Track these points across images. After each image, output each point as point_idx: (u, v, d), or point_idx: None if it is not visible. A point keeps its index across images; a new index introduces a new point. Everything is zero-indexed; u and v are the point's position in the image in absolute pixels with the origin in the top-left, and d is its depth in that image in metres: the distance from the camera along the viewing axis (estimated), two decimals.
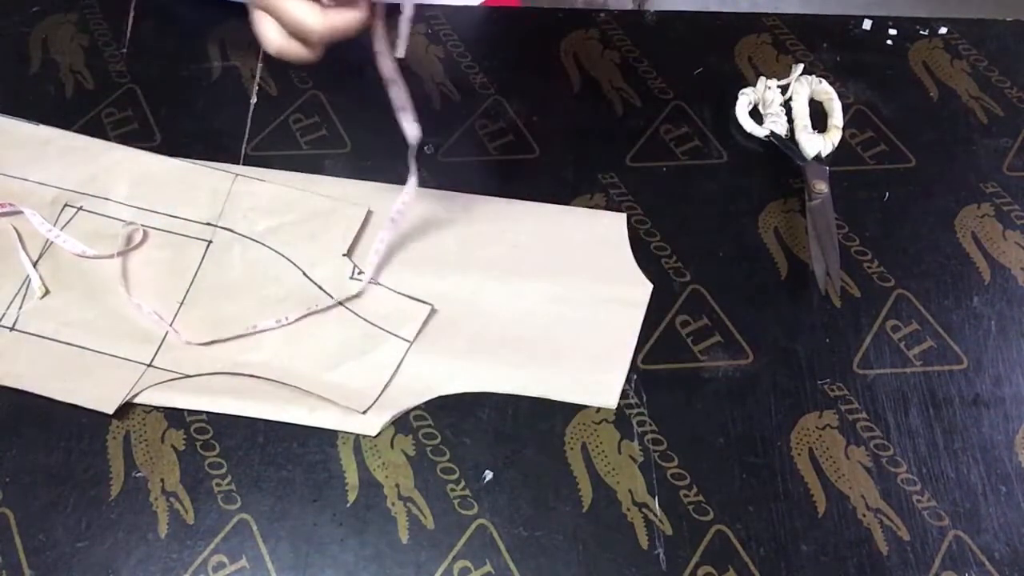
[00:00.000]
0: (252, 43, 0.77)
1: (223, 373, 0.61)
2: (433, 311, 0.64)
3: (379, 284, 0.66)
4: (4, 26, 0.80)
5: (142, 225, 0.67)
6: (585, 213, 0.70)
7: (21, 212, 0.67)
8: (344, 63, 0.79)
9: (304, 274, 0.65)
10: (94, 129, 0.73)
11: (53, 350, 0.62)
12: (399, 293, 0.65)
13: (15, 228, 0.67)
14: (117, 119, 0.74)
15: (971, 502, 0.59)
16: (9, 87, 0.76)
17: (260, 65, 0.75)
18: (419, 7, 0.74)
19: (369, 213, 0.68)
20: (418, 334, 0.63)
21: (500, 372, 0.62)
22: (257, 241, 0.67)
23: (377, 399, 0.61)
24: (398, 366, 0.62)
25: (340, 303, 0.64)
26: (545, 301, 0.65)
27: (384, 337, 0.63)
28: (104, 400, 0.59)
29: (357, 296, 0.65)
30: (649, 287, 0.66)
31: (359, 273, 0.66)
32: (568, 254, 0.68)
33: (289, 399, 0.60)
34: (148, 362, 0.62)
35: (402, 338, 0.63)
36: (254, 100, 0.74)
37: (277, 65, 0.74)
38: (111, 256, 0.66)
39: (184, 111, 0.74)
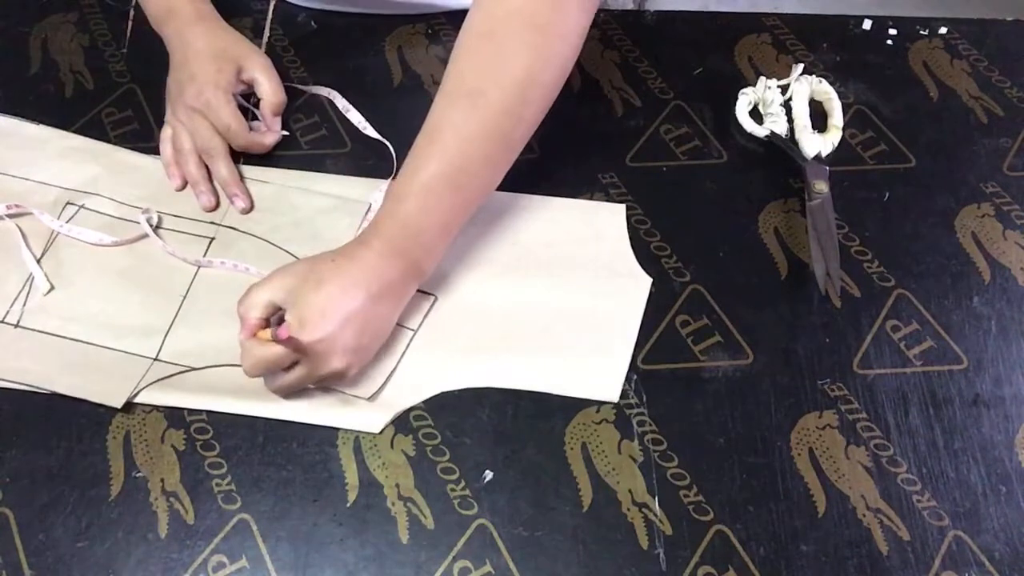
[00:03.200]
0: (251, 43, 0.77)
1: (228, 365, 0.61)
2: (436, 301, 0.65)
3: None
4: (4, 26, 0.80)
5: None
6: (584, 206, 0.71)
7: (31, 213, 0.67)
8: (344, 65, 0.79)
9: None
10: (94, 129, 0.73)
11: (58, 346, 0.62)
12: None
13: (19, 227, 0.67)
14: (117, 119, 0.74)
15: (971, 502, 0.59)
16: (9, 87, 0.76)
17: None
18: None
19: (370, 208, 0.69)
20: (421, 324, 0.64)
21: (502, 367, 0.62)
22: (260, 238, 0.67)
23: (383, 387, 0.61)
24: (402, 355, 0.62)
25: None
26: (546, 296, 0.65)
27: None
28: (111, 394, 0.59)
29: None
30: (648, 280, 0.66)
31: None
32: (568, 248, 0.68)
33: (293, 397, 0.60)
34: (154, 356, 0.62)
35: (406, 327, 0.63)
36: (254, 100, 0.74)
37: (277, 66, 0.74)
38: (128, 243, 0.67)
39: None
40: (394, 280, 0.59)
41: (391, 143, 0.72)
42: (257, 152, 0.72)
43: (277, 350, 0.56)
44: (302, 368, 0.57)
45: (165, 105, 0.72)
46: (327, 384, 0.60)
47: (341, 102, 0.75)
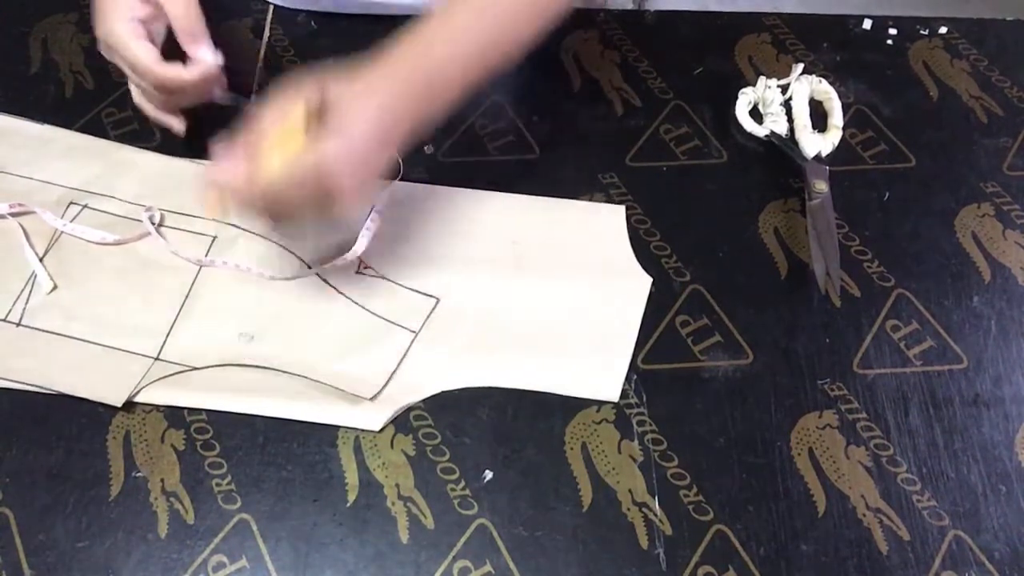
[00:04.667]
0: (251, 43, 0.77)
1: (229, 365, 0.61)
2: (437, 304, 0.65)
3: (384, 279, 0.66)
4: (4, 26, 0.80)
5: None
6: (584, 206, 0.71)
7: (33, 212, 0.67)
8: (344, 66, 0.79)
9: (309, 267, 0.66)
10: (94, 129, 0.73)
11: (60, 345, 0.62)
12: (404, 287, 0.65)
13: (22, 226, 0.67)
14: (117, 119, 0.74)
15: (971, 502, 0.59)
16: (9, 87, 0.76)
17: (260, 66, 0.75)
18: None
19: (371, 208, 0.69)
20: (423, 326, 0.64)
21: (502, 367, 0.62)
22: (262, 236, 0.68)
23: (384, 387, 0.61)
24: (403, 356, 0.62)
25: (347, 296, 0.65)
26: (546, 296, 0.66)
27: (389, 328, 0.63)
28: (112, 393, 0.60)
29: (363, 289, 0.65)
30: (648, 280, 0.67)
31: (364, 268, 0.66)
32: (568, 248, 0.68)
33: (293, 395, 0.60)
34: (155, 355, 0.62)
35: (408, 329, 0.63)
36: (254, 100, 0.74)
37: (276, 65, 0.74)
38: (131, 241, 0.67)
39: (184, 111, 0.74)
40: (402, 113, 0.58)
41: None
42: (191, 93, 0.66)
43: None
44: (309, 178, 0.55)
45: None
46: (321, 218, 0.58)
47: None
